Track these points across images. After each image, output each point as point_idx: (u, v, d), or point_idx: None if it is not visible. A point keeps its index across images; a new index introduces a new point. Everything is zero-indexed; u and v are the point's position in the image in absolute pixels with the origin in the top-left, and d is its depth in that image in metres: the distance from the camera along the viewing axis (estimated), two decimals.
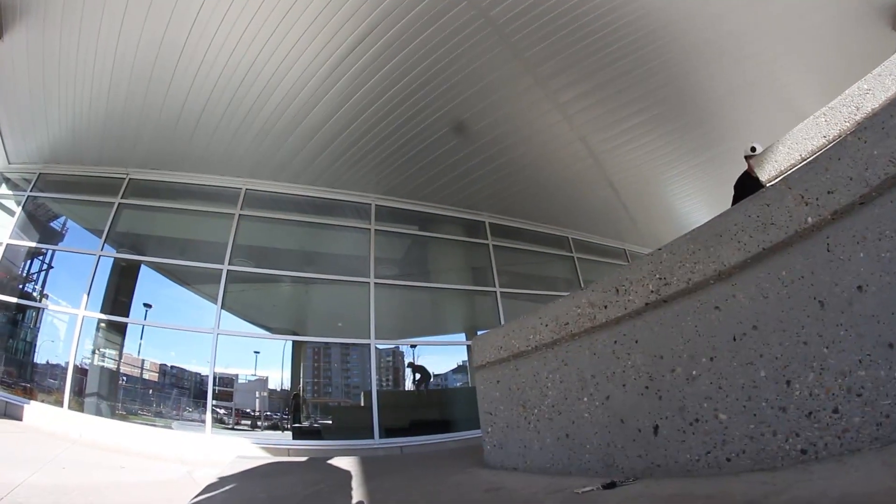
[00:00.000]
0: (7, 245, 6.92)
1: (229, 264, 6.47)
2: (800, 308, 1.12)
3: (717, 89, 6.00)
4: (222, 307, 6.28)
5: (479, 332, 6.87)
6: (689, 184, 7.83)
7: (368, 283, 6.70)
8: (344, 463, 4.20)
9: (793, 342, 1.09)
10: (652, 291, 1.57)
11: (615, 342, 1.72)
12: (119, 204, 6.97)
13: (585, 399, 1.83)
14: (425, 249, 7.70)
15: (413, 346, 6.97)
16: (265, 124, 6.17)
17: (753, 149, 3.88)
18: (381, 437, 5.92)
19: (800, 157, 2.87)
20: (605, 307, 1.77)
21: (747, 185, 3.98)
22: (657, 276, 1.55)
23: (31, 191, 7.38)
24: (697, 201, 8.31)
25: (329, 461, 4.45)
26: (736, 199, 3.99)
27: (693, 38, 5.27)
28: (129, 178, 7.17)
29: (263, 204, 7.09)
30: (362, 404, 6.41)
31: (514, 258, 8.00)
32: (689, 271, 1.44)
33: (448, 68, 5.23)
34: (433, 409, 6.74)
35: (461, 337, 7.41)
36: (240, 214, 6.87)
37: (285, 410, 7.05)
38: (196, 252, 6.71)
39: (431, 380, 7.36)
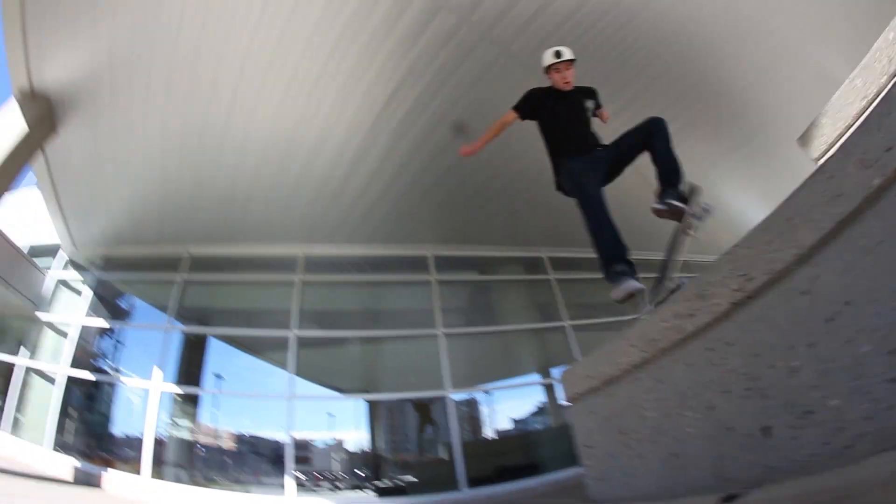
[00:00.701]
0: (81, 326, 7.86)
1: (297, 329, 6.88)
2: (887, 272, 1.09)
3: (746, 76, 6.00)
4: (294, 372, 6.65)
5: (552, 370, 7.09)
6: (736, 181, 7.77)
7: (436, 334, 6.94)
8: None
9: (888, 308, 1.07)
10: (736, 290, 1.56)
11: (708, 349, 1.70)
12: (183, 280, 7.65)
13: (687, 414, 1.80)
14: (488, 293, 7.99)
15: (487, 392, 7.08)
16: (314, 189, 6.67)
17: (559, 53, 3.20)
18: (467, 487, 5.95)
19: (845, 125, 2.78)
20: (692, 315, 1.76)
21: (548, 100, 3.33)
22: (738, 273, 1.55)
23: (98, 273, 8.34)
24: (750, 196, 8.18)
25: None
26: (526, 110, 3.40)
27: (710, 31, 5.36)
28: (190, 255, 7.86)
29: (323, 268, 7.57)
30: (444, 457, 6.49)
31: (577, 289, 8.05)
32: (768, 262, 1.43)
33: (481, 108, 5.52)
34: (517, 453, 6.72)
35: (536, 377, 7.47)
36: (301, 280, 7.37)
37: (366, 470, 7.19)
38: (262, 320, 7.25)
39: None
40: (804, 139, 3.25)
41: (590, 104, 3.34)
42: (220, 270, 7.87)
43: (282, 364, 6.81)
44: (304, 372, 6.79)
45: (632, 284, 2.80)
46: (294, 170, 6.37)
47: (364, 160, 6.28)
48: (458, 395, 6.68)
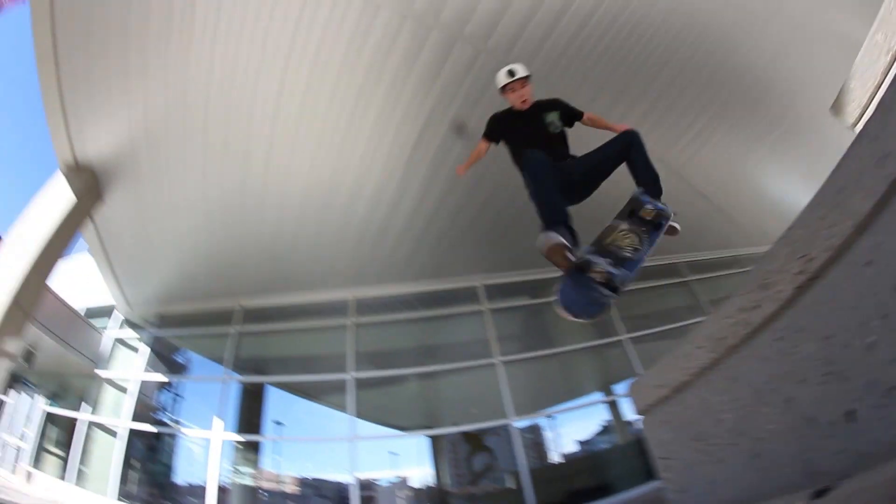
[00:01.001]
0: (140, 381, 8.37)
1: (354, 372, 7.10)
2: None
3: (765, 55, 5.94)
4: (354, 414, 6.82)
5: (614, 386, 6.96)
6: (775, 164, 7.63)
7: (494, 363, 7.01)
8: None
9: None
10: (798, 273, 1.51)
11: (778, 339, 1.64)
12: (237, 332, 8.05)
13: (764, 410, 1.73)
14: (541, 316, 7.94)
15: (550, 416, 7.00)
16: (357, 233, 6.94)
17: (511, 72, 3.18)
18: None
19: (875, 84, 2.67)
20: (756, 307, 1.71)
21: (508, 122, 3.30)
22: (797, 255, 1.51)
23: (153, 330, 8.89)
24: (792, 177, 8.00)
25: None
26: (493, 135, 3.40)
27: (721, 17, 5.39)
28: (242, 307, 8.24)
29: (374, 308, 7.85)
30: (511, 486, 6.42)
31: (631, 301, 7.90)
32: (826, 238, 1.40)
33: None
34: (586, 475, 6.62)
35: (598, 396, 7.35)
36: (354, 323, 7.66)
37: (434, 501, 7.19)
38: (318, 365, 7.54)
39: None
40: (837, 107, 3.14)
41: (553, 117, 3.24)
42: (273, 320, 8.23)
43: (341, 407, 6.98)
44: (363, 413, 6.95)
45: (553, 236, 2.72)
46: (335, 216, 6.68)
47: (403, 199, 6.50)
48: (521, 423, 6.63)
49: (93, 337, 9.36)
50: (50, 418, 9.94)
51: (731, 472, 1.95)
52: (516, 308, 8.01)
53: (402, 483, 7.31)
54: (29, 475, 9.50)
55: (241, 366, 7.99)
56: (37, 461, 9.84)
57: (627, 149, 2.98)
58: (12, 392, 10.49)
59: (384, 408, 7.58)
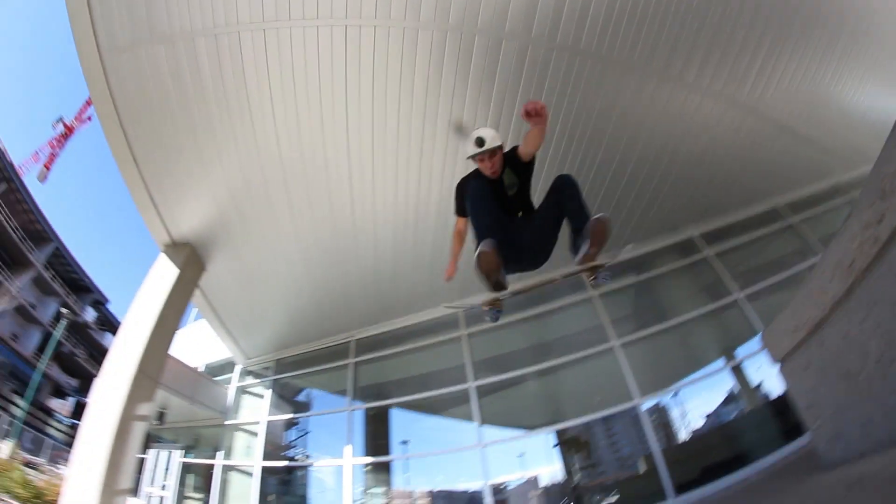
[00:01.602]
0: (267, 423, 9.12)
1: (473, 381, 7.32)
2: None
3: None
4: (480, 421, 6.98)
5: (736, 350, 6.63)
6: (850, 74, 7.03)
7: (612, 347, 6.90)
8: None
9: None
10: None
11: None
12: (353, 363, 8.65)
13: None
14: (651, 291, 7.77)
15: (675, 393, 6.76)
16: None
17: (481, 141, 2.88)
18: (675, 496, 5.72)
19: None
20: (881, 220, 1.60)
21: (475, 189, 2.99)
22: None
23: (272, 375, 9.77)
24: (872, 83, 7.38)
25: None
26: (462, 208, 3.20)
27: None
28: (355, 340, 8.91)
29: (483, 316, 7.89)
30: (645, 469, 6.30)
31: (738, 256, 7.59)
32: None
33: (579, 117, 5.84)
34: (720, 448, 6.29)
35: (720, 363, 6.94)
36: (467, 333, 7.91)
37: (566, 501, 7.19)
38: (438, 380, 7.77)
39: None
40: None
41: (509, 178, 3.06)
42: (387, 346, 8.69)
43: (465, 417, 7.18)
44: (488, 419, 7.08)
45: (490, 242, 2.64)
46: (428, 238, 6.96)
47: None
48: (646, 404, 6.44)
49: (218, 390, 10.49)
50: (187, 468, 11.21)
51: (887, 408, 1.81)
52: (624, 288, 7.76)
53: (533, 482, 7.35)
54: None
55: (361, 393, 8.52)
56: None
57: (561, 194, 2.84)
58: (151, 450, 11.98)
59: (508, 411, 7.65)
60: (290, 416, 9.59)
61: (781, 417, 5.91)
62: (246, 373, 10.65)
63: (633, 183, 6.79)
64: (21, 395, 26.26)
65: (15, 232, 33.30)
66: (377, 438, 8.10)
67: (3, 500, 6.15)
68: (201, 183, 6.50)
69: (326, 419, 9.03)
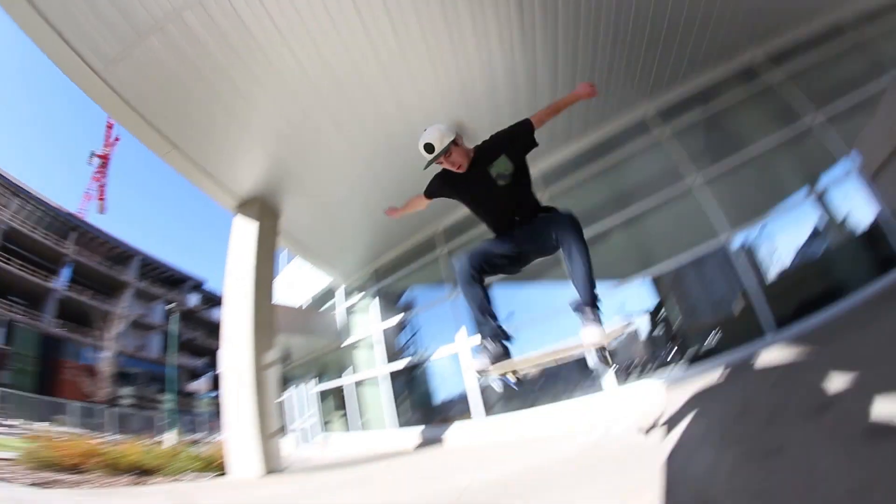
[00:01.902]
0: (383, 330, 10.23)
1: None
2: None
3: None
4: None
5: (819, 177, 6.37)
6: None
7: (691, 185, 6.84)
8: (769, 359, 4.36)
9: None
10: None
11: None
12: (444, 252, 9.29)
13: None
14: (721, 124, 7.42)
15: (762, 230, 6.61)
16: (510, 116, 6.91)
17: (429, 147, 2.71)
18: (773, 331, 5.79)
19: None
20: None
21: (450, 183, 2.93)
22: None
23: (372, 286, 10.77)
24: None
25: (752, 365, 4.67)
26: (433, 195, 3.17)
27: None
28: (441, 229, 9.47)
29: (558, 176, 8.08)
30: (741, 309, 6.38)
31: (810, 75, 7.05)
32: None
33: None
34: (813, 283, 6.23)
35: (802, 193, 6.63)
36: (548, 194, 7.97)
37: (668, 347, 7.54)
38: None
39: None
40: None
41: (500, 167, 2.81)
42: (472, 226, 8.91)
43: (564, 277, 7.26)
44: None
45: (482, 361, 2.63)
46: (482, 104, 6.84)
47: (536, 68, 6.50)
48: (734, 241, 6.40)
49: (328, 318, 11.83)
50: (322, 395, 12.98)
51: None
52: (693, 124, 7.42)
53: (634, 332, 7.72)
54: (326, 441, 12.42)
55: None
56: (327, 429, 12.83)
57: (567, 246, 2.64)
58: (287, 390, 13.78)
59: (599, 265, 7.73)
60: (399, 318, 10.46)
61: (874, 248, 5.82)
62: (348, 293, 11.87)
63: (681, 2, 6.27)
64: (165, 392, 30.16)
65: (101, 265, 36.95)
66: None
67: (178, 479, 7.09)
68: (245, 139, 6.84)
69: (433, 312, 9.74)
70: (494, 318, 2.66)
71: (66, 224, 35.73)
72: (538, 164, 8.12)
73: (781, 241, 6.60)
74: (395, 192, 7.91)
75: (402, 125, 6.82)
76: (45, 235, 33.91)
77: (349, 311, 11.77)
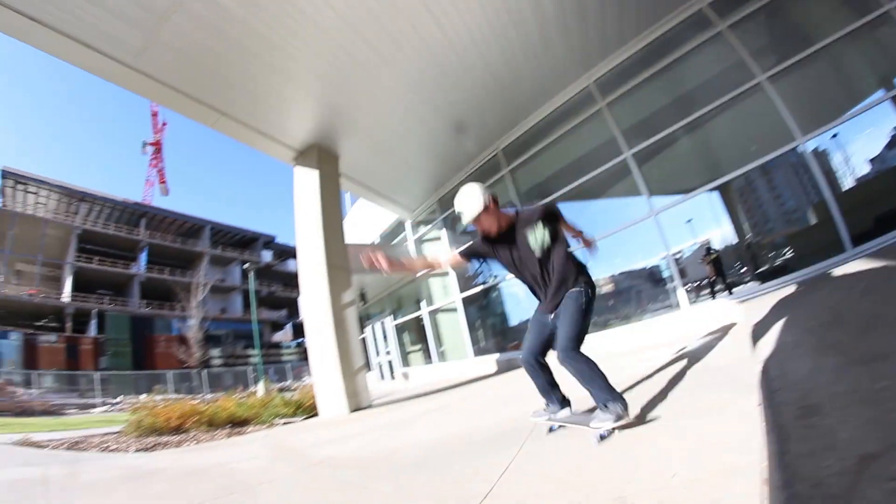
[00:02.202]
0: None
1: (628, 150, 7.12)
2: None
3: None
4: (647, 191, 6.83)
5: None
6: None
7: (758, 82, 6.11)
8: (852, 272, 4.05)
9: None
10: None
11: None
12: (508, 172, 9.11)
13: None
14: (785, 13, 6.48)
15: (835, 136, 5.80)
16: (559, 27, 6.71)
17: (461, 215, 2.84)
18: (852, 246, 5.28)
19: None
20: None
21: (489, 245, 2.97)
22: None
23: (439, 216, 10.87)
24: None
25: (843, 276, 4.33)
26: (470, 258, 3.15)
27: None
28: (501, 150, 9.26)
29: (619, 79, 7.56)
30: (816, 221, 5.93)
31: None
32: None
33: None
34: (890, 197, 5.51)
35: (880, 93, 5.60)
36: (605, 104, 7.59)
37: (740, 261, 7.22)
38: (594, 160, 7.66)
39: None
40: None
41: (535, 238, 2.78)
42: (533, 144, 8.79)
43: (630, 191, 7.07)
44: (653, 189, 6.89)
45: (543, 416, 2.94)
46: (527, 16, 6.47)
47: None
48: (808, 144, 5.69)
49: (399, 252, 12.24)
50: (400, 329, 13.51)
51: None
52: (754, 13, 6.48)
53: (705, 246, 7.43)
54: (406, 375, 13.04)
55: (525, 199, 8.91)
56: (406, 363, 13.43)
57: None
58: (367, 327, 14.47)
59: (668, 176, 7.41)
60: (470, 244, 10.55)
61: None
62: (416, 225, 12.16)
63: None
64: (252, 347, 32.86)
65: (174, 242, 39.52)
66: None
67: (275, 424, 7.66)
68: (289, 90, 6.87)
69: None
70: (557, 388, 2.90)
71: (134, 213, 38.37)
72: (593, 73, 7.72)
73: (856, 150, 5.96)
74: (449, 113, 7.96)
75: (447, 47, 6.59)
76: (118, 228, 36.72)
77: (419, 242, 12.05)
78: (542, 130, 8.66)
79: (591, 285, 2.74)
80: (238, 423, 7.94)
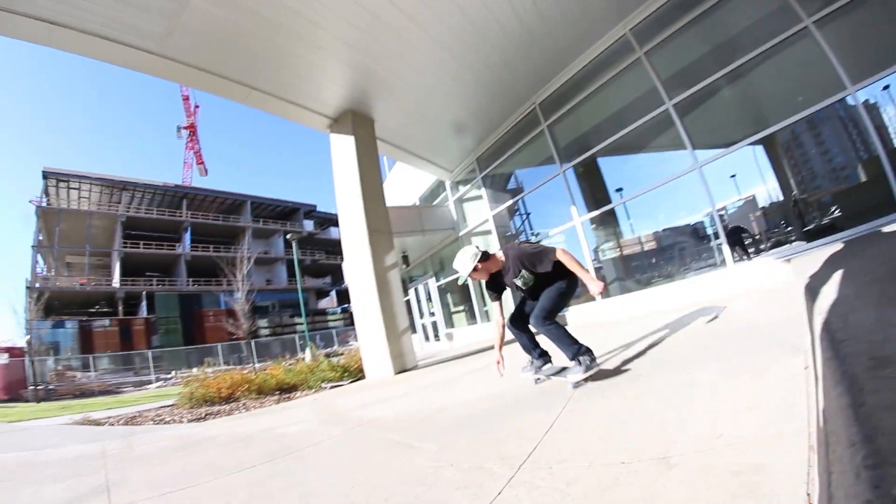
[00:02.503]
0: (493, 217, 10.41)
1: (669, 100, 6.75)
2: None
3: None
4: (690, 144, 6.49)
5: None
6: None
7: (806, 25, 5.55)
8: None
9: None
10: None
11: None
12: (546, 128, 8.85)
13: None
14: None
15: (886, 87, 5.17)
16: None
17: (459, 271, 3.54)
18: None
19: None
20: None
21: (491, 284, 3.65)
22: None
23: (479, 174, 10.77)
24: None
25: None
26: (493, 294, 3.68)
27: None
28: (537, 104, 9.02)
29: (657, 27, 7.10)
30: (867, 178, 5.50)
31: None
32: None
33: None
34: None
35: None
36: (644, 53, 7.17)
37: (787, 218, 6.88)
38: (635, 112, 7.31)
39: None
40: None
41: (521, 280, 3.44)
42: (570, 97, 8.49)
43: (672, 145, 6.77)
44: (697, 143, 6.55)
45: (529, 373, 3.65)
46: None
47: None
48: (857, 96, 5.14)
49: (440, 212, 12.25)
50: (443, 290, 13.66)
51: None
52: None
53: (751, 204, 7.08)
54: (450, 336, 13.21)
55: (566, 154, 8.65)
56: (450, 324, 13.58)
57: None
58: (411, 290, 14.66)
59: (711, 128, 7.00)
60: (510, 202, 10.55)
61: None
62: (456, 185, 12.12)
63: None
64: (298, 315, 34.07)
65: (216, 219, 40.73)
66: (595, 192, 8.33)
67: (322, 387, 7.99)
68: (318, 58, 6.82)
69: (543, 192, 9.47)
70: (538, 346, 3.60)
71: (175, 196, 39.60)
72: (628, 21, 7.29)
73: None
74: (483, 69, 7.76)
75: (478, 2, 6.38)
76: (160, 212, 38.11)
77: (459, 202, 12.03)
78: (578, 83, 8.30)
79: (572, 282, 3.32)
80: (286, 390, 8.29)
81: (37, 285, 28.81)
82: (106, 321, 30.79)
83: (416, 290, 14.86)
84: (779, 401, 1.83)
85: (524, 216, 10.48)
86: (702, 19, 6.67)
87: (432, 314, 14.21)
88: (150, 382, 21.91)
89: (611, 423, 2.19)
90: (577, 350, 3.08)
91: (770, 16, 5.98)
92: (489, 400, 3.47)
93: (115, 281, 34.08)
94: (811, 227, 6.39)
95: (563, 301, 3.30)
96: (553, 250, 3.29)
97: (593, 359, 3.09)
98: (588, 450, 1.93)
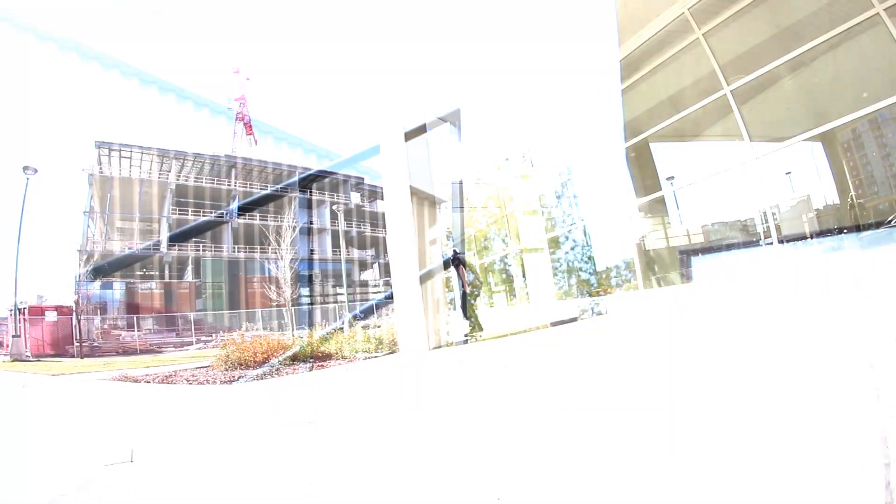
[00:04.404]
0: (539, 197, 10.30)
1: (728, 86, 6.42)
2: None
3: None
4: (747, 134, 6.17)
5: None
6: None
7: (876, 13, 5.07)
8: None
9: None
10: None
11: None
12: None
13: None
14: None
15: None
16: None
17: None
18: None
19: None
20: None
21: None
22: None
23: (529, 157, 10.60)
24: None
25: None
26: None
27: None
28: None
29: (715, 10, 6.66)
30: None
31: None
32: None
33: None
34: None
35: None
36: (702, 35, 6.77)
37: (840, 222, 6.52)
38: (691, 96, 7.03)
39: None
40: None
41: None
42: (623, 78, 8.11)
43: (728, 133, 6.47)
44: (754, 133, 6.25)
45: None
46: None
47: None
48: None
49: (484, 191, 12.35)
50: (484, 269, 13.50)
51: None
52: None
53: (805, 203, 6.72)
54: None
55: (630, 131, 8.32)
56: (489, 303, 13.43)
57: None
58: (451, 269, 14.72)
59: (770, 121, 6.66)
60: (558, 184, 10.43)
61: None
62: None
63: None
64: (340, 285, 34.84)
65: (263, 188, 41.59)
66: (645, 178, 8.07)
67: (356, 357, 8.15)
68: None
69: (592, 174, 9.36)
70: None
71: (225, 165, 40.59)
72: (681, 2, 6.84)
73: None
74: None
75: None
76: (209, 180, 39.16)
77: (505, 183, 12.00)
78: (632, 63, 7.95)
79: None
80: (321, 358, 8.47)
81: (87, 248, 30.47)
82: (152, 284, 32.26)
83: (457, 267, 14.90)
84: None
85: (571, 194, 10.23)
86: (761, 3, 6.25)
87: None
88: (191, 344, 22.84)
89: None
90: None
91: (837, 3, 5.58)
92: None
93: (163, 246, 35.58)
94: (866, 234, 6.04)
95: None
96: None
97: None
98: None
